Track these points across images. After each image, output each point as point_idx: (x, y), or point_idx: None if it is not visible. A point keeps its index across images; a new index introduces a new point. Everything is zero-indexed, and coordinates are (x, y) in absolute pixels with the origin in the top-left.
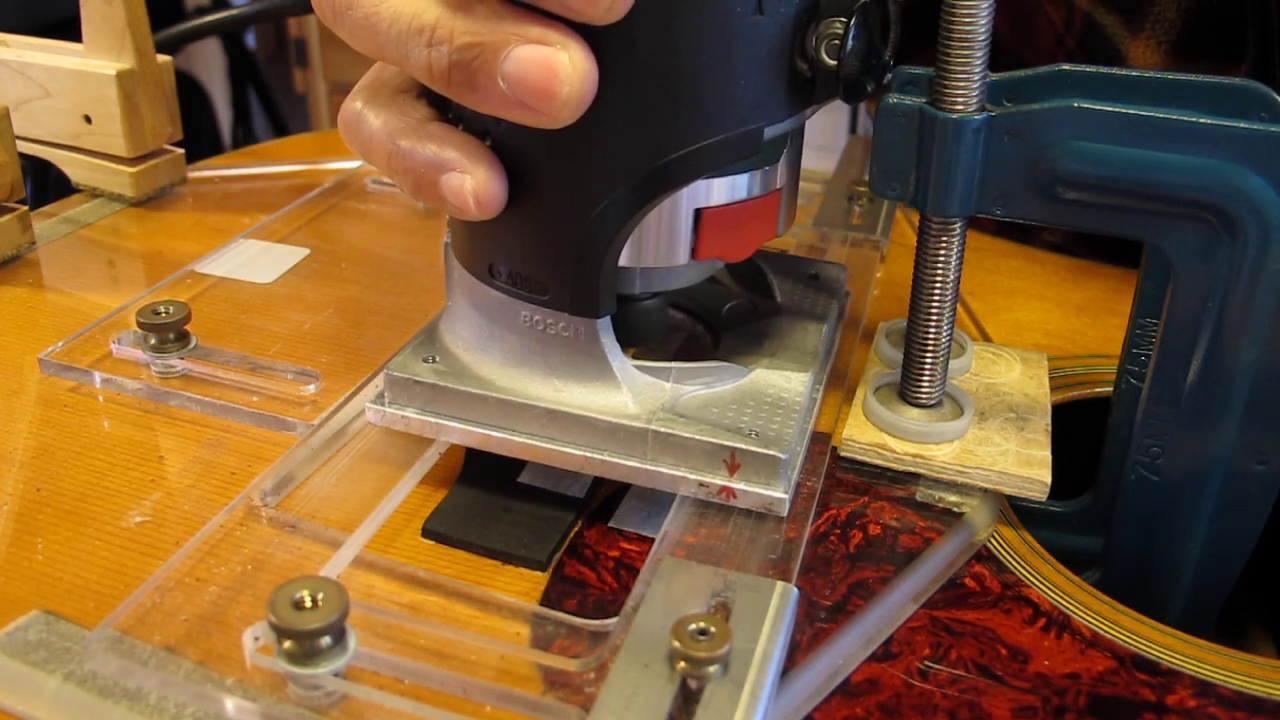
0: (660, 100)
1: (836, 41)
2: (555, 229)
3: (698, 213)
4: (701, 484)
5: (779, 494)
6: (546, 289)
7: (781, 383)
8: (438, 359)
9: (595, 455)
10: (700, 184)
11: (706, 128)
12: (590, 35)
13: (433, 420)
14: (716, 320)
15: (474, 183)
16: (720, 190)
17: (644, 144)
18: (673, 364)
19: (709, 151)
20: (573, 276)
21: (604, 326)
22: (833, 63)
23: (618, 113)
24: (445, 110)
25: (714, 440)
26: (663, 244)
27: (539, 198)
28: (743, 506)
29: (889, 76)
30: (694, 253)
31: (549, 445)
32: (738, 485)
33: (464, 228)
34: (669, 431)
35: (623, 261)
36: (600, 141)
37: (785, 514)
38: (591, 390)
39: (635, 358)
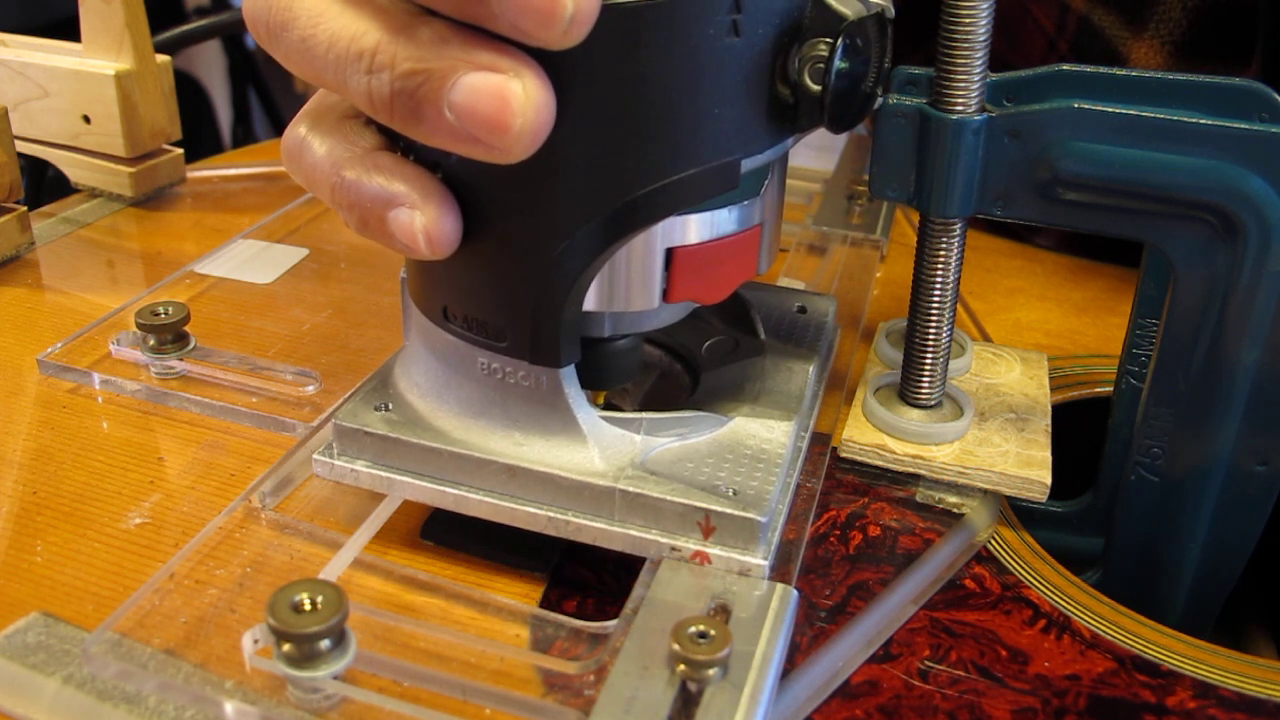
0: (626, 131)
1: (821, 65)
2: (513, 270)
3: (670, 252)
4: (674, 548)
5: (757, 560)
6: (504, 335)
7: (763, 433)
8: (390, 407)
9: (559, 515)
10: (672, 221)
11: (678, 160)
12: (547, 61)
13: (384, 475)
14: (695, 358)
15: (424, 220)
16: (694, 228)
17: (609, 179)
18: (644, 415)
19: (681, 186)
20: (532, 322)
21: (567, 376)
22: (817, 87)
23: (579, 145)
24: (396, 138)
25: (686, 501)
26: (632, 286)
27: (495, 236)
28: (719, 571)
29: (879, 101)
30: (666, 295)
31: (509, 504)
32: (713, 550)
33: (417, 266)
34: (638, 491)
35: (588, 305)
36: (561, 176)
37: (765, 578)
38: (555, 444)
39: (606, 400)
